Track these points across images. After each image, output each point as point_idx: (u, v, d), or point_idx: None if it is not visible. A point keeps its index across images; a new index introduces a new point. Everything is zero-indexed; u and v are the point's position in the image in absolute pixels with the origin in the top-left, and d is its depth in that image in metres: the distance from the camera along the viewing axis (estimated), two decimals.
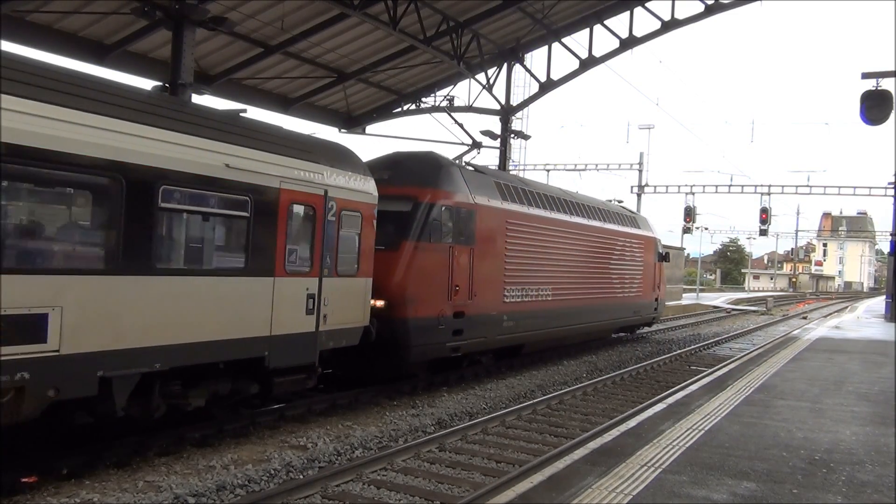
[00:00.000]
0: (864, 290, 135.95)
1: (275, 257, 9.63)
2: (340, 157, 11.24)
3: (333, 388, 12.59)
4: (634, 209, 28.27)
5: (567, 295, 18.13)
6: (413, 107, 25.95)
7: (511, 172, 24.94)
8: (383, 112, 25.95)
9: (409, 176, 13.44)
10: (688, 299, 50.59)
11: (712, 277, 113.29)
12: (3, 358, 6.53)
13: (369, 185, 11.67)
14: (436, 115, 18.28)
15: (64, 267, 7.36)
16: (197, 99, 12.95)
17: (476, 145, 17.59)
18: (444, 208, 13.45)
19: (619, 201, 32.25)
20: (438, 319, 13.23)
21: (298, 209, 10.11)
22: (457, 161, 15.48)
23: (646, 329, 26.67)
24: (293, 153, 10.06)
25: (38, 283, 6.87)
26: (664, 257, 26.29)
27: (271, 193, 9.51)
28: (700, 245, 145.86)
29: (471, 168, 15.46)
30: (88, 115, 7.30)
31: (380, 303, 12.15)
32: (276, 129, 10.57)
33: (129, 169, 7.60)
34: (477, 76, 24.17)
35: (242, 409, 10.67)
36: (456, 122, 18.07)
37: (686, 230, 46.61)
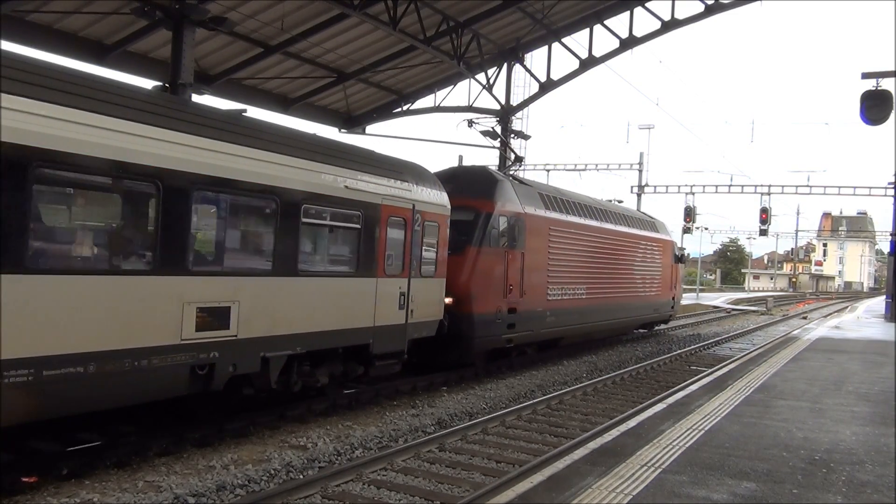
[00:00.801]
0: (864, 290, 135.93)
1: (378, 261, 11.65)
2: (422, 176, 13.38)
3: (332, 389, 12.58)
4: (530, 180, 28.61)
5: (598, 294, 20.15)
6: (412, 106, 25.97)
7: (511, 172, 24.94)
8: (383, 112, 25.94)
9: (470, 189, 15.26)
10: (688, 299, 50.55)
11: (712, 277, 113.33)
12: (202, 341, 8.57)
13: (444, 199, 13.73)
14: (477, 128, 20.08)
15: (242, 270, 9.45)
16: (197, 99, 12.95)
17: (518, 159, 19.72)
18: (500, 217, 15.38)
19: (619, 201, 32.51)
20: (496, 315, 15.17)
21: (394, 221, 12.07)
22: (507, 174, 17.47)
23: (662, 326, 28.45)
24: (389, 174, 12.15)
25: (226, 284, 8.96)
26: (680, 259, 28.82)
27: (375, 209, 11.54)
28: (700, 245, 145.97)
29: (518, 181, 17.42)
30: (265, 153, 9.52)
31: (449, 300, 13.92)
32: (374, 153, 12.71)
33: (283, 192, 9.63)
34: (477, 76, 24.16)
35: (244, 409, 10.69)
36: (501, 138, 20.19)
37: (686, 230, 46.55)
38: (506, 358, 16.65)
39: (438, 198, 13.54)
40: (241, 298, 9.05)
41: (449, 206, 13.86)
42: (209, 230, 9.17)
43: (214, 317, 8.71)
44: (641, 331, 26.80)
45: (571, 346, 20.39)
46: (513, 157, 19.09)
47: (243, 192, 9.15)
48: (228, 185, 8.86)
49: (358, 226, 11.20)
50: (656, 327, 28.03)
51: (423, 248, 12.96)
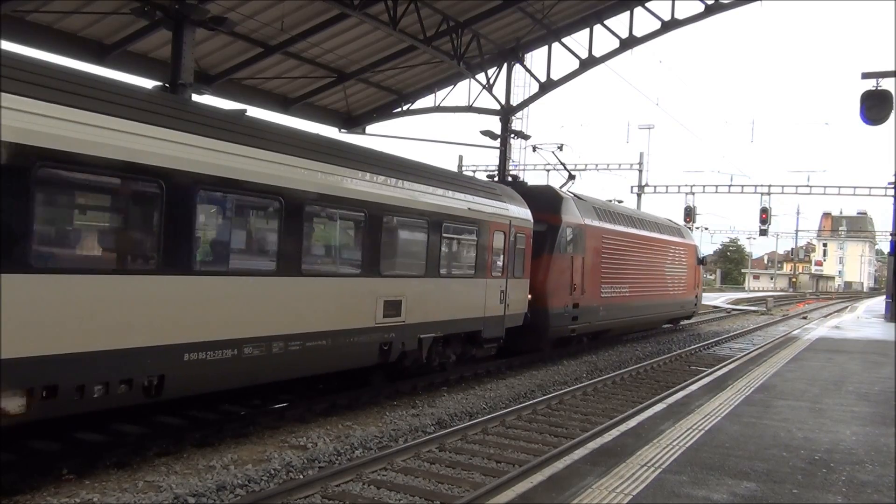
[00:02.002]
0: (864, 290, 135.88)
1: (487, 265, 14.84)
2: (513, 196, 16.69)
3: (333, 389, 12.60)
4: (585, 195, 31.16)
5: (638, 292, 23.26)
6: (412, 106, 25.97)
7: (511, 172, 25.02)
8: (383, 112, 25.94)
9: (541, 205, 17.87)
10: None
11: (712, 277, 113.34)
12: (386, 324, 11.70)
13: (528, 214, 16.78)
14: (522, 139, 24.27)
15: (407, 273, 12.40)
16: (197, 99, 12.93)
17: (571, 177, 23.20)
18: (566, 229, 18.45)
19: (619, 201, 32.87)
20: (564, 309, 18.32)
21: (497, 233, 15.20)
22: (566, 190, 20.74)
23: (685, 321, 31.47)
24: (493, 196, 15.54)
25: (399, 283, 12.12)
26: (702, 261, 32.15)
27: (486, 225, 14.75)
28: (700, 245, 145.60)
29: (577, 196, 20.44)
30: (424, 186, 12.85)
31: (529, 296, 16.89)
32: (483, 180, 16.88)
33: (433, 215, 12.96)
34: (477, 76, 24.15)
35: (244, 408, 10.70)
36: (555, 155, 24.61)
37: None
38: (568, 345, 19.89)
39: (525, 214, 16.68)
40: (407, 294, 12.26)
41: (532, 220, 16.92)
42: (391, 244, 12.16)
43: (393, 307, 11.90)
44: (667, 325, 29.56)
45: (567, 346, 20.58)
46: (567, 175, 23.23)
47: (414, 217, 12.62)
48: (407, 213, 12.37)
49: (475, 238, 14.49)
50: (681, 322, 30.89)
51: (515, 254, 16.01)
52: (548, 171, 43.49)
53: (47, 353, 6.97)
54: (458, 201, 13.82)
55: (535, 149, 27.48)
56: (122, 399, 7.92)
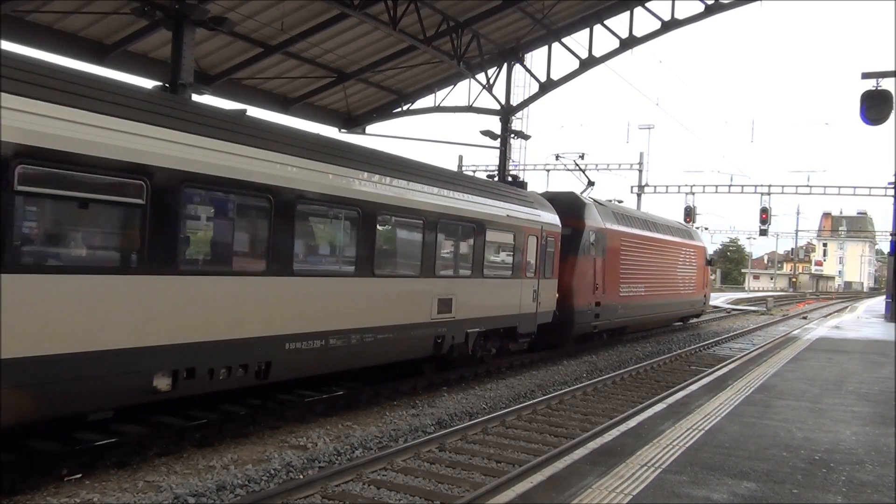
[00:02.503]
0: (864, 290, 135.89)
1: (522, 267, 16.24)
2: (543, 203, 18.11)
3: (333, 388, 12.59)
4: (604, 201, 32.75)
5: (653, 291, 24.85)
6: (412, 106, 25.97)
7: (511, 172, 25.03)
8: (383, 112, 25.95)
9: (566, 210, 19.25)
10: None
11: (712, 277, 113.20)
12: (439, 320, 13.18)
13: (557, 220, 18.24)
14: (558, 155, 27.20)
15: (457, 275, 13.94)
16: (197, 99, 12.94)
17: (591, 183, 24.59)
18: (590, 232, 19.96)
19: (619, 201, 33.18)
20: (588, 307, 19.84)
21: (531, 238, 16.61)
22: (589, 197, 22.03)
23: (694, 319, 33.12)
24: (527, 204, 16.98)
25: (450, 283, 13.60)
26: (710, 262, 33.97)
27: (521, 230, 16.16)
28: None
29: (597, 202, 21.86)
30: (476, 197, 14.58)
31: (556, 295, 18.39)
32: (519, 190, 17.73)
33: (479, 222, 14.47)
34: (477, 76, 24.16)
35: (244, 407, 10.71)
36: (580, 168, 27.13)
37: None
38: (590, 341, 21.43)
39: (554, 219, 18.14)
40: (456, 293, 13.73)
41: (560, 225, 18.33)
42: (445, 248, 13.67)
43: (445, 305, 13.35)
44: (678, 323, 31.07)
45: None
46: (586, 181, 24.89)
47: (463, 223, 14.07)
48: (458, 220, 13.88)
49: (512, 242, 15.87)
50: (691, 320, 32.64)
51: (546, 256, 17.42)
52: (548, 171, 43.55)
53: (189, 341, 8.42)
54: (498, 209, 15.40)
55: (557, 157, 30.54)
56: (240, 381, 9.38)
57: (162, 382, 8.26)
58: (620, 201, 33.50)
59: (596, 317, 20.35)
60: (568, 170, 43.11)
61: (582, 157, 28.01)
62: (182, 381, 8.43)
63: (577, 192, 21.80)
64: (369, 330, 11.33)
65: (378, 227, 11.56)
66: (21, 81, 6.82)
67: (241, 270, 9.46)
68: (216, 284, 8.89)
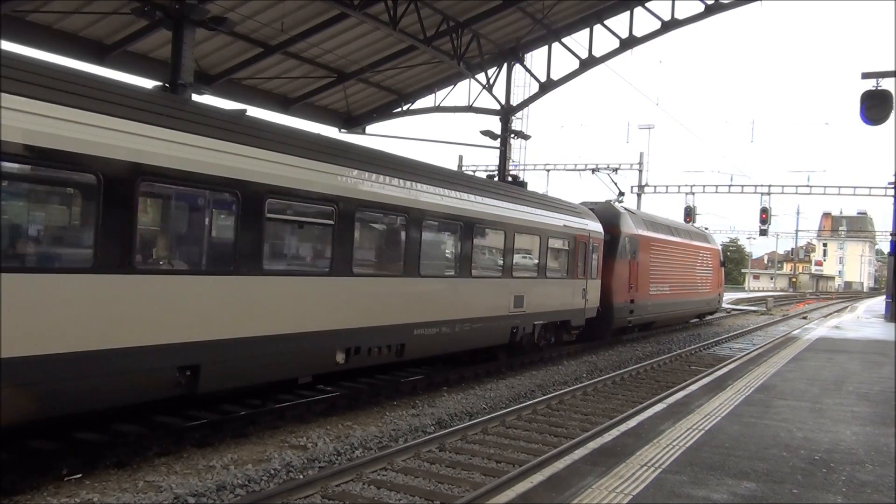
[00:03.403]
0: (864, 290, 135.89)
1: (574, 269, 18.91)
2: (589, 213, 20.73)
3: (332, 388, 12.60)
4: (634, 209, 34.77)
5: (676, 290, 27.65)
6: (412, 106, 25.96)
7: (511, 172, 25.06)
8: (383, 112, 25.95)
9: (605, 219, 21.76)
10: None
11: None
12: (514, 313, 15.67)
13: (600, 227, 20.89)
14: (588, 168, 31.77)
15: (527, 276, 16.46)
16: (197, 99, 12.92)
17: (621, 193, 29.07)
18: (625, 238, 22.65)
19: (619, 201, 33.65)
20: (624, 304, 22.54)
21: (580, 244, 19.20)
22: (619, 204, 25.85)
23: (709, 317, 35.57)
24: (576, 214, 19.57)
25: (523, 283, 16.13)
26: (723, 263, 36.40)
27: (573, 237, 18.77)
28: None
29: (630, 211, 24.75)
30: (538, 210, 17.30)
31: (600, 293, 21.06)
32: (569, 203, 20.33)
33: (543, 231, 17.07)
34: (477, 76, 24.16)
35: (245, 407, 10.72)
36: (610, 177, 31.48)
37: None
38: (624, 334, 24.35)
39: (598, 227, 20.72)
40: (527, 291, 16.23)
41: (602, 233, 20.96)
42: (520, 254, 16.25)
43: (518, 301, 15.83)
44: (694, 320, 33.59)
45: (574, 346, 20.77)
46: (617, 191, 28.85)
47: (533, 233, 16.68)
48: (528, 231, 16.44)
49: (567, 248, 18.47)
50: (706, 317, 35.09)
51: (591, 259, 19.94)
52: (548, 171, 43.59)
53: (358, 327, 11.01)
54: (557, 220, 18.02)
55: (594, 171, 34.29)
56: (385, 358, 11.95)
57: (340, 357, 10.86)
58: (620, 201, 34.37)
59: (630, 312, 23.10)
60: (567, 170, 43.33)
61: (616, 171, 32.35)
62: (352, 356, 11.03)
63: (612, 201, 25.22)
64: (468, 321, 14.01)
65: (474, 237, 14.21)
66: (267, 139, 9.51)
67: (390, 273, 12.19)
68: (375, 284, 11.75)
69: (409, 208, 12.12)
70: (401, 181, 11.99)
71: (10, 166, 6.71)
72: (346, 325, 10.78)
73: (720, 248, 36.01)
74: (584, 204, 22.18)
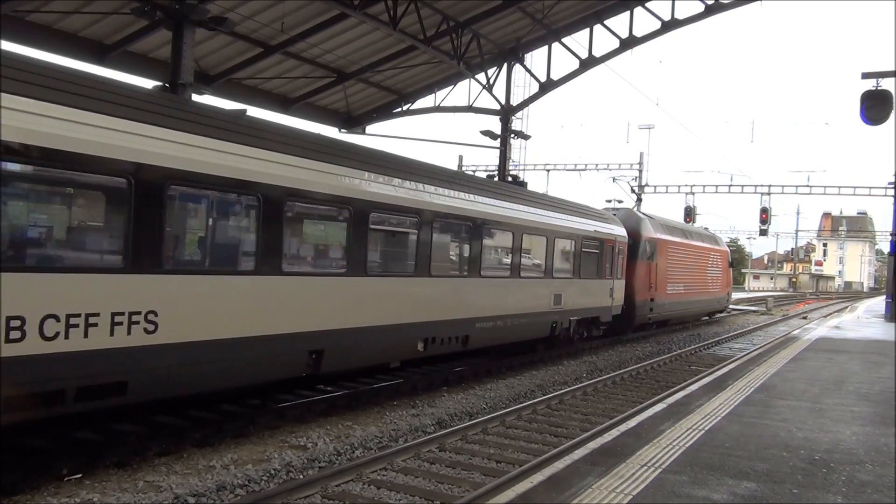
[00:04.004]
0: (864, 290, 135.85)
1: (603, 270, 20.78)
2: (615, 219, 22.85)
3: (332, 388, 12.60)
4: (652, 214, 36.61)
5: (690, 290, 29.81)
6: (412, 106, 25.96)
7: (511, 172, 25.07)
8: (383, 112, 25.95)
9: (627, 224, 23.82)
10: None
11: None
12: (553, 310, 17.41)
13: (624, 232, 22.92)
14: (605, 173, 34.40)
15: (564, 276, 18.29)
16: (197, 99, 12.93)
17: (639, 199, 32.59)
18: (646, 242, 24.73)
19: (619, 201, 34.10)
20: (644, 302, 24.56)
21: (608, 247, 21.11)
22: (638, 210, 28.90)
23: (718, 315, 37.78)
24: (604, 220, 21.56)
25: (561, 282, 17.88)
26: (731, 264, 38.35)
27: (602, 241, 20.67)
28: None
29: (648, 216, 26.71)
30: (572, 217, 19.22)
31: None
32: (600, 210, 22.76)
33: (578, 236, 18.88)
34: (477, 76, 24.16)
35: (244, 407, 10.71)
36: (632, 188, 34.57)
37: None
38: (644, 329, 26.47)
39: (623, 232, 22.70)
40: (564, 290, 18.08)
41: (627, 237, 22.99)
42: (559, 257, 18.05)
43: (557, 299, 17.79)
44: (705, 318, 35.59)
45: (574, 346, 20.67)
46: (635, 198, 31.91)
47: (570, 238, 18.58)
48: (566, 236, 18.34)
49: (597, 251, 20.24)
50: (716, 315, 37.23)
51: (617, 261, 21.83)
52: (548, 171, 43.57)
53: (433, 320, 12.97)
54: (589, 226, 19.91)
55: (614, 179, 37.44)
56: (451, 347, 13.81)
57: (420, 346, 12.73)
58: (620, 201, 35.50)
59: (650, 310, 25.21)
60: (567, 170, 43.34)
61: (636, 179, 35.42)
62: (429, 345, 12.89)
63: (632, 207, 27.94)
64: (516, 315, 15.93)
65: (523, 242, 16.11)
66: (370, 164, 11.47)
67: (458, 274, 14.16)
68: (447, 283, 13.64)
69: (473, 218, 14.35)
70: (467, 195, 14.19)
71: (229, 197, 9.20)
72: (425, 319, 12.78)
73: (728, 249, 38.14)
74: (606, 209, 24.67)
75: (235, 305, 8.95)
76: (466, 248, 14.25)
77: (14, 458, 7.68)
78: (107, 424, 9.22)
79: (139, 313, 7.76)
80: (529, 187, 20.06)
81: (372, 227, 11.31)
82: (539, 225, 16.88)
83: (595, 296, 20.35)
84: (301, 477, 8.28)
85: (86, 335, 7.26)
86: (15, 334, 6.66)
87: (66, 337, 7.06)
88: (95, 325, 7.32)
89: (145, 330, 7.82)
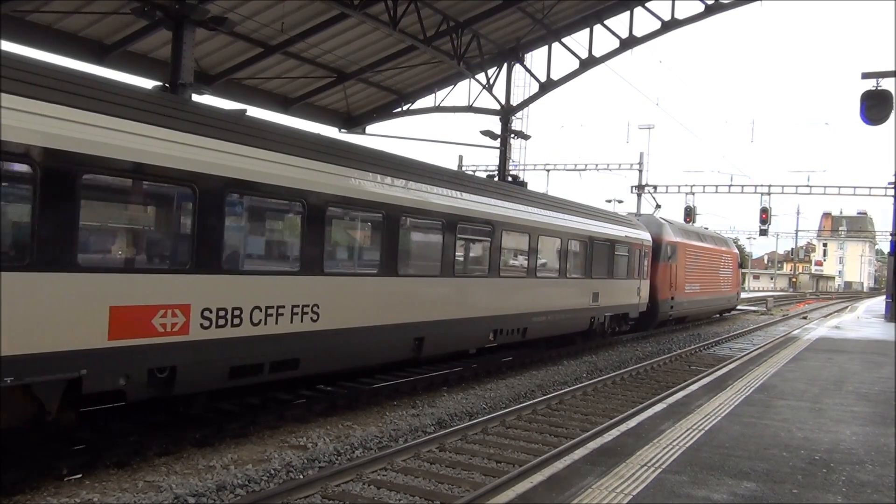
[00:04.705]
0: (864, 290, 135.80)
1: (632, 271, 23.10)
2: (640, 225, 25.29)
3: (332, 387, 12.60)
4: (634, 209, 40.48)
5: (705, 289, 32.41)
6: (412, 106, 25.96)
7: (511, 172, 25.06)
8: (383, 112, 25.93)
9: (651, 229, 26.20)
10: None
11: None
12: (592, 306, 20.00)
13: (649, 237, 25.28)
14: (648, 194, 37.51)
15: (601, 276, 20.38)
16: (197, 98, 12.92)
17: (658, 206, 35.83)
18: (667, 245, 27.19)
19: (619, 201, 34.86)
20: (666, 301, 27.05)
21: (635, 250, 23.42)
22: (658, 214, 31.86)
23: (727, 314, 40.14)
24: (632, 226, 23.88)
25: (598, 282, 20.14)
26: (741, 265, 41.62)
27: (632, 245, 23.10)
28: None
29: (668, 221, 29.26)
30: (613, 226, 22.39)
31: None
32: (627, 216, 25.83)
33: (612, 240, 21.40)
34: (477, 76, 24.15)
35: (242, 407, 10.71)
36: (654, 198, 38.02)
37: None
38: (665, 325, 28.80)
39: (647, 237, 25.16)
40: (600, 289, 20.36)
41: (651, 241, 25.40)
42: (597, 259, 20.14)
43: (595, 296, 19.98)
44: (715, 316, 37.81)
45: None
46: (654, 203, 35.47)
47: (605, 242, 20.83)
48: (601, 240, 20.54)
49: (627, 254, 22.59)
50: (727, 313, 39.83)
51: (644, 262, 24.25)
52: (548, 171, 43.63)
53: (501, 314, 15.24)
54: (621, 231, 22.42)
55: (640, 190, 40.16)
56: (514, 338, 16.02)
57: (490, 336, 15.01)
58: (620, 201, 37.13)
59: (671, 308, 27.76)
60: (567, 170, 43.39)
61: (655, 188, 39.11)
62: (497, 336, 15.19)
63: (652, 213, 31.01)
64: (563, 311, 18.28)
65: (568, 246, 18.47)
66: (461, 185, 14.24)
67: (519, 275, 16.30)
68: (512, 283, 15.95)
69: (532, 227, 16.64)
70: (526, 207, 16.59)
71: (366, 214, 11.53)
72: (495, 313, 15.08)
73: (737, 251, 41.09)
74: (630, 215, 27.88)
75: (368, 300, 11.36)
76: (525, 252, 16.51)
77: (14, 458, 7.68)
78: (107, 424, 9.22)
79: (308, 306, 10.06)
80: (530, 187, 20.10)
81: (458, 236, 13.73)
82: (581, 231, 19.22)
83: (625, 294, 22.68)
84: (301, 477, 8.28)
85: (276, 322, 9.48)
86: (236, 321, 8.97)
87: (265, 323, 9.31)
88: (282, 314, 9.57)
89: (311, 319, 10.09)
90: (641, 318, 24.49)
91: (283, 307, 9.60)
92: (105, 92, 7.75)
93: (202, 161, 8.43)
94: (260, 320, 9.22)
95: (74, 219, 7.19)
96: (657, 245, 26.08)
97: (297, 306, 9.82)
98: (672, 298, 27.53)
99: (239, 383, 9.34)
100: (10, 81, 6.73)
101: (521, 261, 16.46)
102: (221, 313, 8.76)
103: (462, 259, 14.19)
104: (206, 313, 8.58)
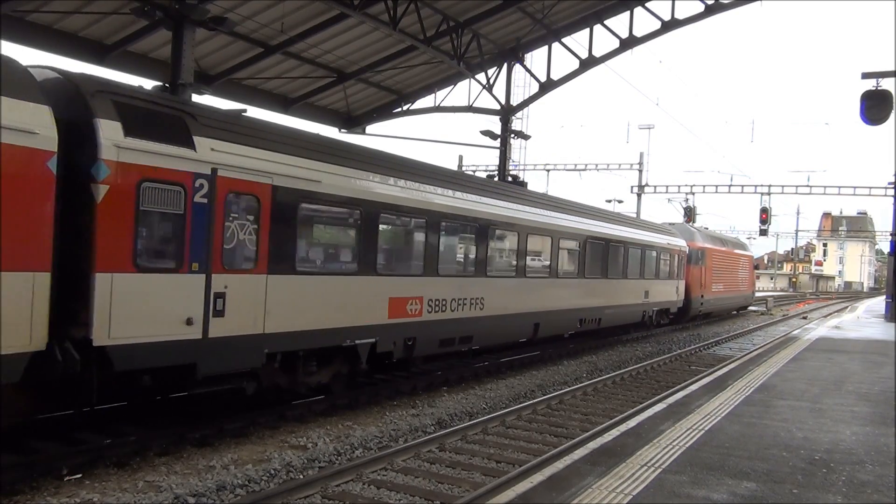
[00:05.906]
0: (864, 290, 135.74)
1: (673, 272, 27.89)
2: (676, 233, 29.50)
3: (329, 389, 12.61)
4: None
5: (727, 289, 36.87)
6: (412, 106, 25.95)
7: (511, 172, 25.06)
8: (383, 112, 25.92)
9: (684, 236, 30.56)
10: None
11: None
12: (645, 301, 24.79)
13: (684, 243, 29.68)
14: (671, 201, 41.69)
15: (650, 277, 25.42)
16: (197, 98, 12.91)
17: (686, 215, 41.39)
18: (697, 250, 31.82)
19: (619, 201, 35.12)
20: (696, 299, 31.43)
21: (675, 255, 27.88)
22: (689, 222, 38.33)
23: (742, 310, 43.87)
24: (671, 234, 28.33)
25: (648, 282, 25.12)
26: (757, 266, 44.00)
27: (672, 251, 27.78)
28: None
29: (697, 229, 34.33)
30: (649, 233, 26.69)
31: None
32: (667, 226, 31.04)
33: (658, 247, 26.14)
34: (477, 76, 24.14)
35: (243, 406, 10.72)
36: (680, 204, 43.60)
37: None
38: (696, 320, 33.17)
39: (683, 243, 29.64)
40: (649, 288, 24.78)
41: (686, 247, 30.03)
42: (647, 262, 24.52)
43: (646, 294, 24.54)
44: (733, 313, 41.39)
45: (572, 346, 20.88)
46: (683, 212, 40.51)
47: (654, 249, 25.38)
48: (650, 248, 25.04)
49: (668, 258, 26.96)
50: (742, 310, 43.59)
51: (680, 265, 28.54)
52: (548, 171, 43.64)
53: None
54: (663, 240, 26.81)
55: (669, 200, 44.33)
56: (590, 326, 20.17)
57: (577, 324, 19.29)
58: (620, 201, 38.62)
59: (701, 304, 32.15)
60: (567, 170, 43.43)
61: (686, 199, 43.08)
62: (581, 324, 19.42)
63: (683, 220, 36.40)
64: (625, 305, 22.67)
65: (628, 252, 22.45)
66: (533, 202, 17.61)
67: (595, 276, 20.00)
68: (591, 282, 19.77)
69: (606, 238, 20.60)
70: (576, 217, 19.26)
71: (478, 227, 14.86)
72: (580, 306, 19.33)
73: (753, 254, 45.93)
74: (665, 223, 32.48)
75: (510, 295, 15.84)
76: (599, 257, 20.37)
77: (14, 459, 7.68)
78: (107, 425, 9.22)
79: (477, 299, 14.38)
80: (530, 188, 20.24)
81: (560, 247, 17.92)
82: (637, 240, 23.66)
83: (668, 293, 27.32)
84: (301, 477, 8.29)
85: (462, 309, 13.86)
86: (443, 308, 13.37)
87: (457, 310, 13.69)
88: (464, 304, 13.95)
89: (479, 308, 14.45)
90: (679, 312, 29.64)
91: (465, 299, 13.96)
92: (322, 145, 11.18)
93: (437, 203, 13.19)
94: (455, 308, 13.64)
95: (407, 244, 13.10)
96: (690, 250, 30.72)
97: (473, 298, 14.23)
98: (702, 296, 32.19)
99: (442, 350, 13.82)
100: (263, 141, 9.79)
101: (600, 265, 20.41)
102: (437, 303, 13.14)
103: (559, 263, 18.05)
104: (431, 303, 12.95)
